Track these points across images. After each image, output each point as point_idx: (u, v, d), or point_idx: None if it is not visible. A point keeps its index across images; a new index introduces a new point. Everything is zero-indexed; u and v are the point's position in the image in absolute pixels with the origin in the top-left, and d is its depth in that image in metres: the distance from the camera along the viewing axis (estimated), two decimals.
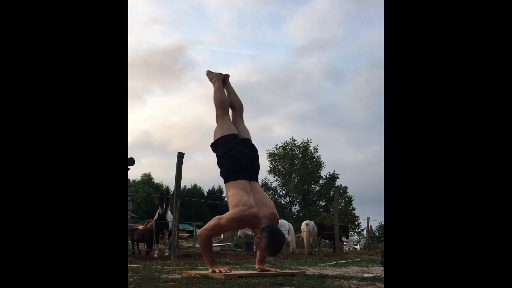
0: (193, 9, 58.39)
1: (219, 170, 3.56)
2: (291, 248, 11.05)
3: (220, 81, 3.93)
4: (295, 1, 56.38)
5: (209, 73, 4.03)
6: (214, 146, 3.63)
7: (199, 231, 3.34)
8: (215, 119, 3.78)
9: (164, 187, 40.72)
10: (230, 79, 4.03)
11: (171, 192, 8.20)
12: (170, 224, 7.78)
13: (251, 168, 3.50)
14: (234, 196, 3.29)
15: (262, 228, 3.17)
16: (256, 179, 3.54)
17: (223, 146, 3.54)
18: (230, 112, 3.87)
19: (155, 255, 7.56)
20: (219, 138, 3.61)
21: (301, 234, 12.03)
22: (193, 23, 60.51)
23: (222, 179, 3.51)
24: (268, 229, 3.15)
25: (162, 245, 9.24)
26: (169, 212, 8.09)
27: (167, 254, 7.81)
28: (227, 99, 3.86)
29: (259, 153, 3.72)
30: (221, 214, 3.35)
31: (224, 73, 3.99)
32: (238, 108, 3.91)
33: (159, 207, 8.16)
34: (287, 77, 53.97)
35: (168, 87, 56.44)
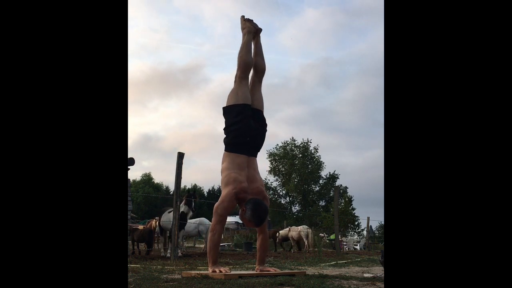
0: (189, 19, 59.64)
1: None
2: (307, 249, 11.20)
3: (251, 35, 3.72)
4: (287, 12, 57.74)
5: (243, 21, 3.79)
6: (225, 111, 3.58)
7: (211, 226, 3.34)
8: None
9: (164, 187, 40.74)
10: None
11: (171, 192, 8.12)
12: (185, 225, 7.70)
13: (253, 145, 3.53)
14: (225, 172, 3.37)
15: (247, 201, 3.27)
16: (256, 155, 3.57)
17: (233, 115, 3.51)
18: (251, 73, 3.70)
19: (168, 255, 7.27)
20: (231, 105, 3.55)
21: (298, 234, 12.21)
22: (190, 32, 61.84)
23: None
24: (252, 201, 3.26)
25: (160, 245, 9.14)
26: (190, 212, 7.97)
27: (180, 254, 7.42)
28: (251, 61, 3.65)
29: (267, 129, 3.67)
30: None
31: (257, 27, 3.76)
32: (259, 72, 3.73)
33: (185, 206, 7.89)
34: (281, 83, 55.51)
35: (181, 98, 57.67)
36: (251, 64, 3.66)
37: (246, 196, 3.31)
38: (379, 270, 4.11)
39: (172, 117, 60.82)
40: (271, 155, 37.12)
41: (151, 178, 42.58)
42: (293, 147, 37.42)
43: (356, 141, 56.68)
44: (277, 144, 37.75)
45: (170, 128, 60.69)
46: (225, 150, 3.50)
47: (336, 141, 56.74)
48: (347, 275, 3.45)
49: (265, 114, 3.66)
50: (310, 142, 37.12)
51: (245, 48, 3.66)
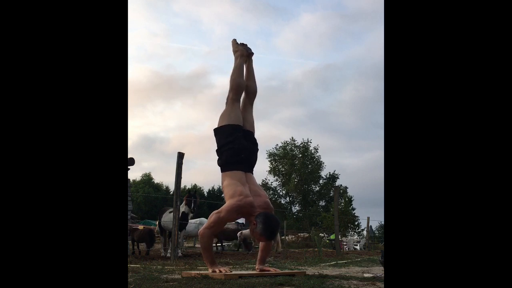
0: (189, 24, 60.12)
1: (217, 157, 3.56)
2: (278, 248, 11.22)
3: (243, 58, 3.76)
4: (284, 16, 58.46)
5: (234, 44, 3.85)
6: (217, 132, 3.58)
7: (200, 230, 3.34)
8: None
9: (164, 187, 40.77)
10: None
11: (171, 193, 8.14)
12: (187, 225, 7.70)
13: (248, 162, 3.53)
14: (230, 186, 3.32)
15: (256, 215, 3.22)
16: (252, 172, 3.56)
17: (225, 135, 3.51)
18: (242, 95, 3.74)
19: (168, 254, 7.27)
20: (223, 125, 3.56)
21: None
22: (189, 36, 62.36)
23: (219, 167, 3.52)
24: (263, 215, 3.21)
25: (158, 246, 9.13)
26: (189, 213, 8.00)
27: (180, 254, 7.42)
28: (243, 83, 3.69)
29: (258, 148, 3.71)
30: None
31: (249, 51, 3.79)
32: (251, 94, 3.76)
33: (186, 206, 7.91)
34: (279, 85, 55.88)
35: (187, 103, 58.30)
36: (243, 85, 3.69)
37: (252, 211, 3.25)
38: (379, 270, 4.11)
39: (174, 120, 61.35)
40: (271, 155, 37.06)
41: (151, 178, 42.58)
42: (293, 147, 37.38)
43: (355, 143, 56.80)
44: (277, 144, 37.69)
45: (172, 131, 61.24)
46: (222, 171, 3.47)
47: (335, 143, 56.85)
48: (347, 275, 3.45)
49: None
50: (310, 142, 37.09)
51: (237, 71, 3.70)
